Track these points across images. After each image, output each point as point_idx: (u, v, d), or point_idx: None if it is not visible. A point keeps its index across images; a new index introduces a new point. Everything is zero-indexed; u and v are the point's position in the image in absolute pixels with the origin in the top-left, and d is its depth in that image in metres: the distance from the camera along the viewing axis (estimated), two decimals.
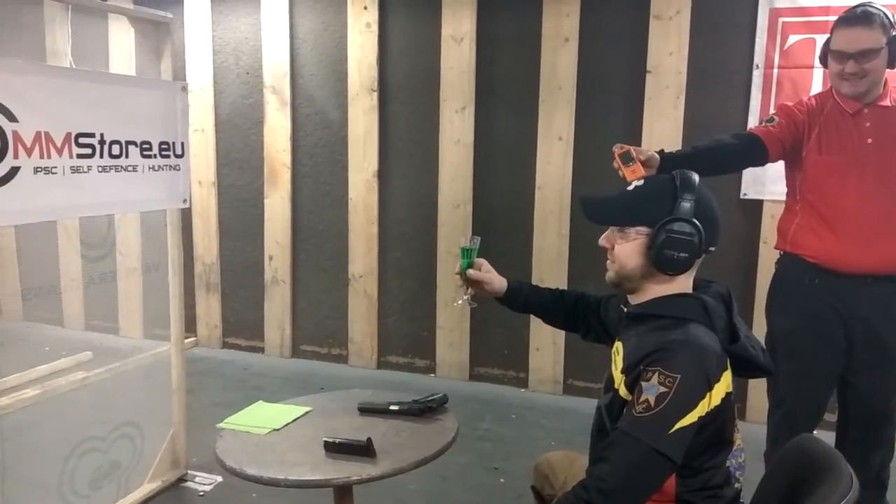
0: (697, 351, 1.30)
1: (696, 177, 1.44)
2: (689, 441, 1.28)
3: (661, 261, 1.39)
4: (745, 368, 1.42)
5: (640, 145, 3.56)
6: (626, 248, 1.44)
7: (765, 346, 1.47)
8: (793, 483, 1.35)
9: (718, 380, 1.30)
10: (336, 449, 1.65)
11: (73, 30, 4.28)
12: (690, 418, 1.26)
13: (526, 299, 1.89)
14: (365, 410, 1.90)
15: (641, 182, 1.50)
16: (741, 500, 1.45)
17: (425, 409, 1.87)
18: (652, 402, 1.26)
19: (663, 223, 1.38)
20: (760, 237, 3.48)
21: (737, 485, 1.43)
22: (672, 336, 1.33)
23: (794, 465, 1.40)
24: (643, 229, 1.42)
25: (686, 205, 1.39)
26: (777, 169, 3.39)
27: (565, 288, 2.04)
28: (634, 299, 1.49)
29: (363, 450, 1.62)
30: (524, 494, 2.23)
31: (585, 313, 1.83)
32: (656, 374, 1.28)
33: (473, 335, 4.11)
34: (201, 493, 2.76)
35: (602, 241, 1.51)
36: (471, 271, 1.87)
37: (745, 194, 3.50)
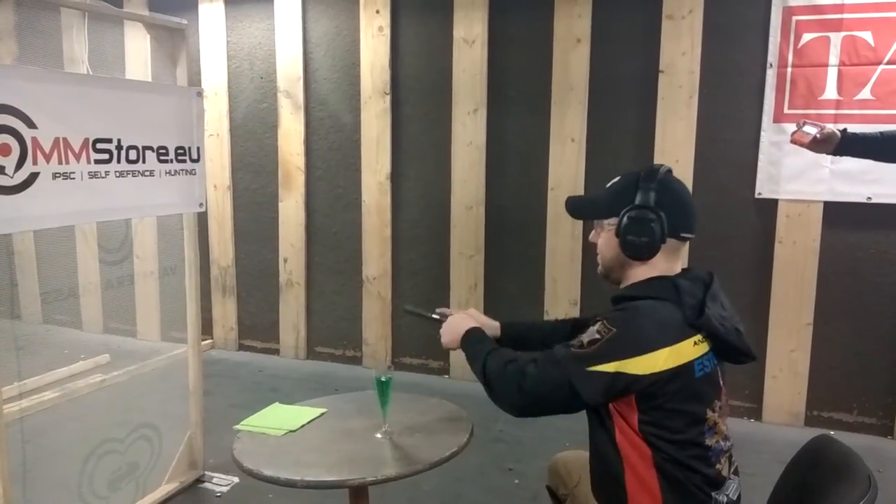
0: (646, 316, 1.39)
1: (662, 169, 1.52)
2: (606, 387, 1.35)
3: (625, 246, 1.50)
4: (723, 349, 1.46)
5: (652, 146, 3.59)
6: (604, 240, 1.57)
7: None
8: (810, 483, 1.35)
9: (652, 351, 1.35)
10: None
11: (89, 36, 4.33)
12: (608, 367, 1.35)
13: (516, 335, 1.92)
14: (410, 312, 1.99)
15: (618, 178, 1.58)
16: (726, 486, 1.45)
17: None
18: (584, 342, 1.40)
19: (625, 211, 1.49)
20: (776, 237, 3.46)
21: (717, 466, 1.44)
22: (627, 305, 1.44)
23: (811, 466, 1.40)
24: (614, 220, 1.53)
25: (646, 194, 1.48)
26: (792, 168, 3.41)
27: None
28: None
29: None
30: (539, 495, 2.24)
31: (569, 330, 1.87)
32: (599, 323, 1.41)
33: None
34: (218, 494, 2.78)
35: (591, 237, 1.64)
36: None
37: (759, 193, 3.48)
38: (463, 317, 1.78)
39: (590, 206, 1.67)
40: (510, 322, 1.93)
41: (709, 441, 1.42)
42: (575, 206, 1.70)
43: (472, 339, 1.68)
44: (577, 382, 1.36)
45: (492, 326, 1.88)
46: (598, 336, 1.38)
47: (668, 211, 1.47)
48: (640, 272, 1.51)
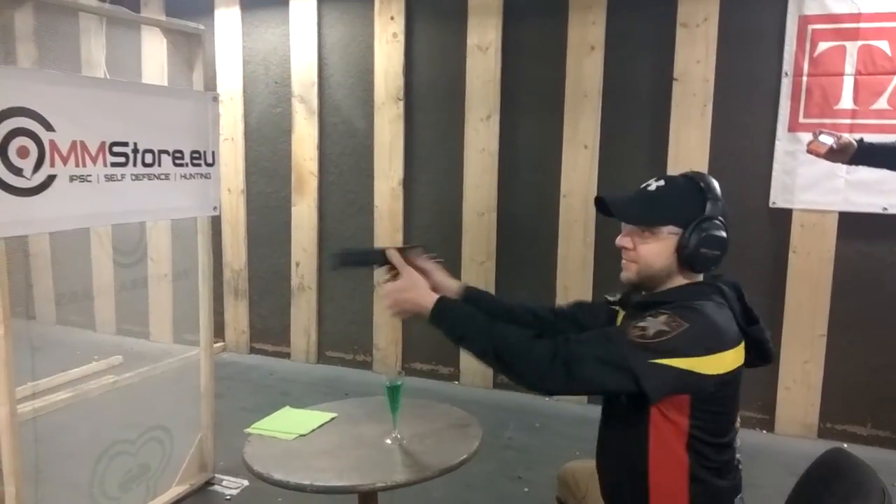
0: (715, 316, 1.36)
1: (715, 181, 1.49)
2: (672, 384, 1.31)
3: (695, 259, 1.42)
4: (756, 354, 1.46)
5: (666, 154, 3.58)
6: (653, 248, 1.45)
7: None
8: (823, 496, 1.34)
9: (723, 351, 1.34)
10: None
11: (107, 41, 4.38)
12: (676, 363, 1.30)
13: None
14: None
15: (662, 182, 1.49)
16: (742, 488, 1.47)
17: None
18: (650, 332, 1.32)
19: (698, 223, 1.42)
20: (790, 246, 3.43)
21: (739, 467, 1.47)
22: (688, 303, 1.38)
23: (824, 479, 1.38)
24: (675, 229, 1.44)
25: (715, 205, 1.44)
26: (807, 177, 3.39)
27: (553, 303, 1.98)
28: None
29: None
30: None
31: (565, 319, 1.75)
32: (666, 316, 1.34)
33: None
34: (228, 497, 2.79)
35: (622, 240, 1.49)
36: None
37: (773, 203, 3.45)
38: (418, 283, 1.58)
39: (641, 209, 1.47)
40: (475, 290, 1.80)
41: (734, 444, 1.45)
42: (624, 209, 1.49)
43: (453, 314, 1.50)
44: (641, 374, 1.29)
45: (450, 288, 1.75)
46: (666, 328, 1.31)
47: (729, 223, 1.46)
48: (681, 280, 1.47)
